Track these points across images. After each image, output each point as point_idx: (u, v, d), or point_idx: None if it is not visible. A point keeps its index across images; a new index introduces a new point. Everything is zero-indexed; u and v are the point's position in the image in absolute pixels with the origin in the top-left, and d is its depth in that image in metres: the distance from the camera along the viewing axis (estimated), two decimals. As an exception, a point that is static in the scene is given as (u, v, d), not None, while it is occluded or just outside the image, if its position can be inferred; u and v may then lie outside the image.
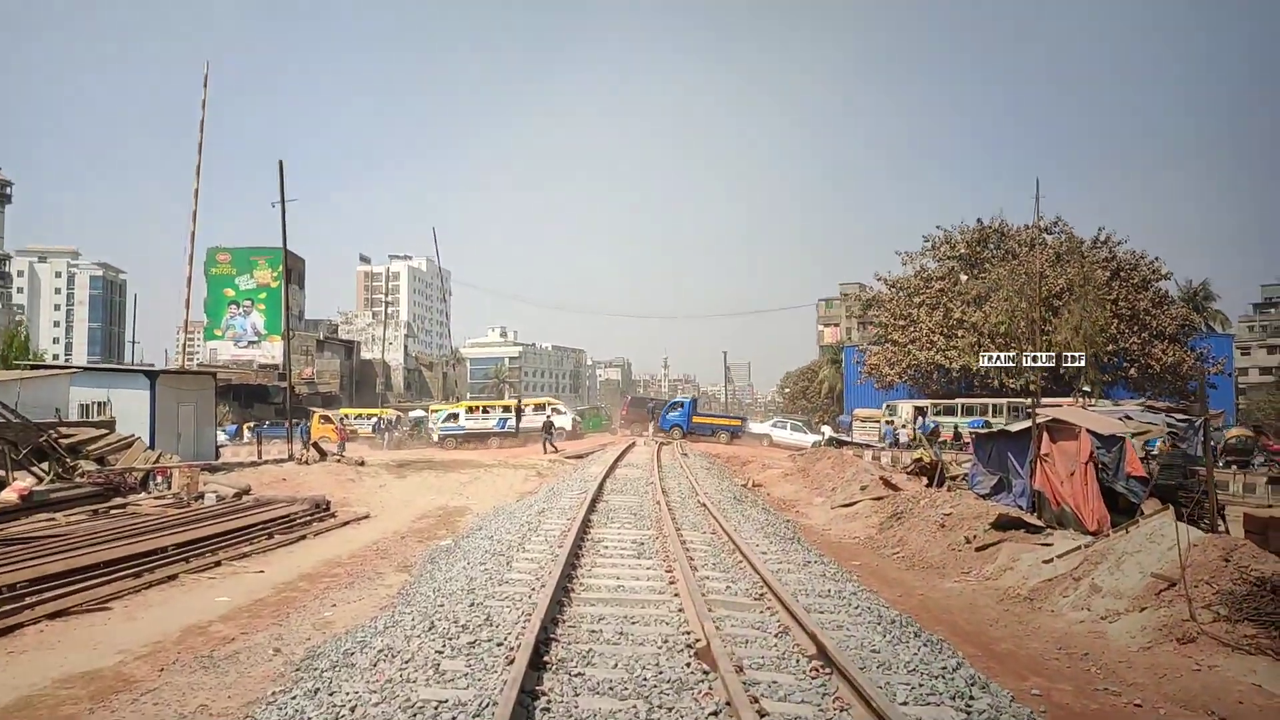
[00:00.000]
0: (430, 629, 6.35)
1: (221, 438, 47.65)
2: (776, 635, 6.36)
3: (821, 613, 7.21)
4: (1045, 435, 14.25)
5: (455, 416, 47.06)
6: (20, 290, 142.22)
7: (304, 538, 15.58)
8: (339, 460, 28.51)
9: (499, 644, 5.74)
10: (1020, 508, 15.15)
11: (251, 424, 55.18)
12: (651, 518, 13.17)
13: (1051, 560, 12.28)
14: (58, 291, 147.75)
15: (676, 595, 7.56)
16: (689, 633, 6.28)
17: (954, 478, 20.29)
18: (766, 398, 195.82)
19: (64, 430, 21.24)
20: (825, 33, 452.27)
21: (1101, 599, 10.29)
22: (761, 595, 7.63)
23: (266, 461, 28.83)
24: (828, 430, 41.36)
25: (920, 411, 39.45)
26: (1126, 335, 39.91)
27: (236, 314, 75.95)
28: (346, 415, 52.27)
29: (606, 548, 10.36)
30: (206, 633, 8.92)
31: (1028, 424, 14.92)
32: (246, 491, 20.65)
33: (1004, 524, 13.69)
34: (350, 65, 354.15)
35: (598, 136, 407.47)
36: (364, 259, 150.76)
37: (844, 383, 61.92)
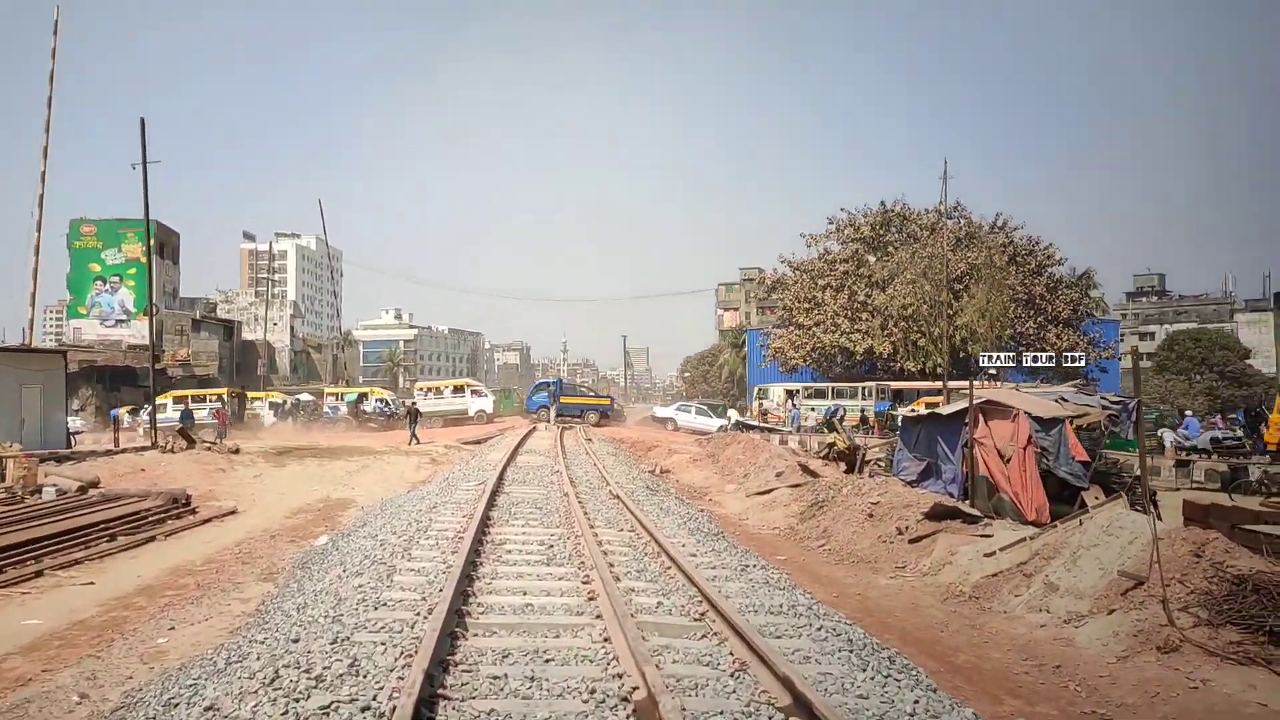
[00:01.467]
0: (274, 681, 4.70)
1: (126, 420, 43.71)
2: (733, 675, 4.98)
3: (779, 637, 5.88)
4: (980, 418, 13.36)
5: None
6: None
7: (153, 539, 13.47)
8: (209, 448, 25.90)
9: (365, 708, 4.16)
10: (951, 495, 14.31)
11: (130, 407, 50.94)
12: (560, 512, 11.66)
13: (994, 554, 11.35)
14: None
15: (599, 617, 6.10)
16: (621, 675, 4.83)
17: (868, 462, 19.49)
18: (666, 382, 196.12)
19: None
20: (724, 10, 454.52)
21: (1060, 599, 9.33)
22: (703, 615, 6.24)
23: (126, 450, 25.98)
24: (734, 414, 40.56)
25: (790, 394, 39.07)
26: (1023, 319, 40.38)
27: (103, 290, 70.31)
28: (236, 396, 48.66)
29: (510, 552, 8.80)
30: (-5, 672, 6.99)
31: (959, 406, 14.03)
32: (94, 485, 18.19)
33: (939, 514, 12.75)
34: (238, 30, 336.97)
35: (497, 116, 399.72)
36: (249, 236, 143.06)
37: (747, 366, 61.51)
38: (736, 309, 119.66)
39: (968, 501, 13.60)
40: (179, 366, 65.63)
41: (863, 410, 35.11)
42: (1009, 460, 12.48)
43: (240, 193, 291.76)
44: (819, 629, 6.09)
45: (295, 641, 5.62)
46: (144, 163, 27.93)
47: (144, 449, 26.61)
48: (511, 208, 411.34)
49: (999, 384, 31.05)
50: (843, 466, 20.05)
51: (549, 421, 39.79)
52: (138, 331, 69.69)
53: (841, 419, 35.79)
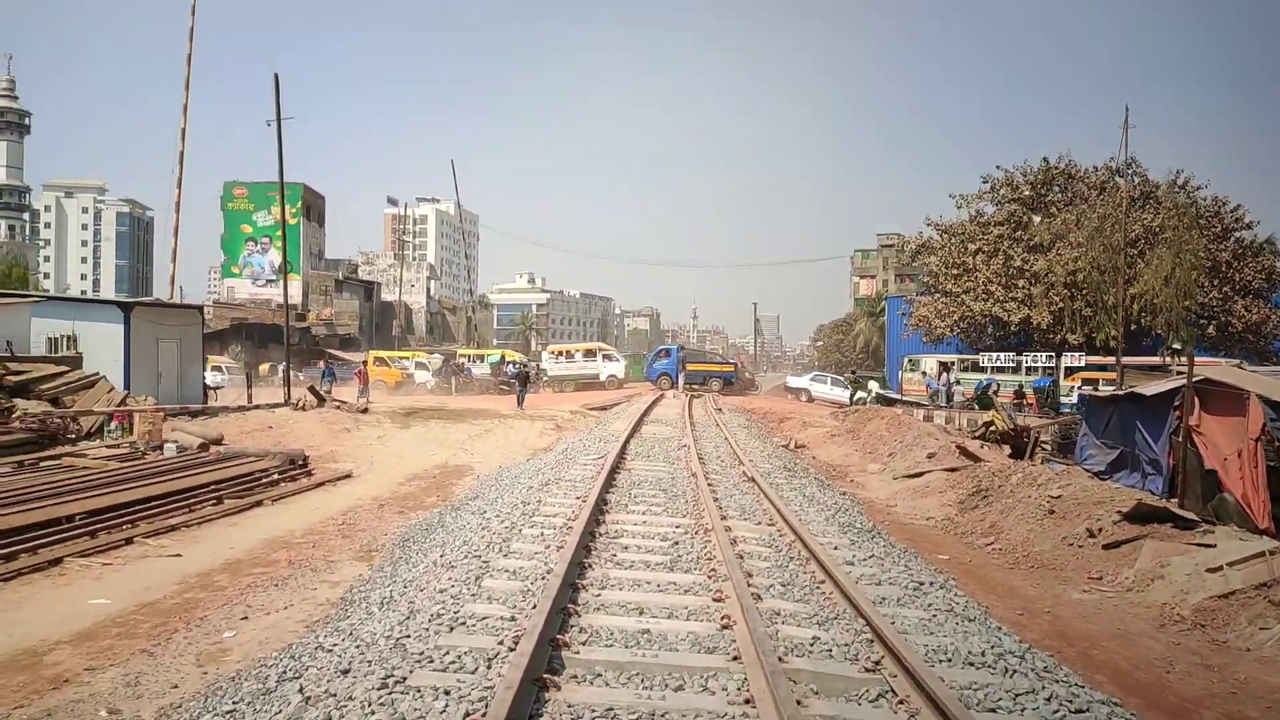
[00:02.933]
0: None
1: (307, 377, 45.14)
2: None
3: (992, 710, 4.19)
4: (1196, 402, 11.02)
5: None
6: (48, 225, 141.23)
7: (260, 503, 12.79)
8: (339, 407, 25.76)
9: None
10: (1154, 493, 12.02)
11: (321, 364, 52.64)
12: (687, 496, 10.17)
13: (1220, 569, 9.16)
14: (84, 228, 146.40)
15: (736, 659, 4.58)
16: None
17: (1041, 447, 17.15)
18: (796, 350, 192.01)
19: (12, 366, 18.58)
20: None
21: (1337, 642, 7.19)
22: (877, 663, 4.62)
23: (258, 407, 26.17)
24: (875, 386, 38.08)
25: (945, 367, 36.08)
26: (1206, 289, 35.97)
27: (254, 251, 73.49)
28: (393, 358, 49.21)
29: (626, 549, 7.36)
30: (36, 668, 6.08)
31: (1168, 385, 11.69)
32: (217, 442, 17.97)
33: (1143, 515, 10.56)
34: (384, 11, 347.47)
35: (633, 85, 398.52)
36: (392, 201, 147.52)
37: (886, 336, 58.32)
38: (873, 277, 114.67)
39: (1176, 501, 11.31)
40: (323, 325, 67.95)
41: (1020, 386, 32.09)
42: (1238, 454, 10.16)
43: (389, 160, 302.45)
44: (1048, 699, 4.35)
45: (345, 673, 4.34)
46: (278, 119, 27.85)
47: (277, 405, 26.80)
48: (646, 175, 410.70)
49: (1181, 361, 27.56)
50: (1006, 450, 17.78)
51: (676, 389, 38.42)
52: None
53: (995, 393, 32.99)
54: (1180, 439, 10.99)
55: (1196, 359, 28.35)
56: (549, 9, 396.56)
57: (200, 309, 28.26)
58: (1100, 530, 11.08)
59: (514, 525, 8.08)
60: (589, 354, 47.35)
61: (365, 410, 25.83)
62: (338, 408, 25.72)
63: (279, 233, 73.01)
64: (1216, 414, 10.73)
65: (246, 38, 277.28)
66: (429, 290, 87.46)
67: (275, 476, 14.89)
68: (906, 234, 54.47)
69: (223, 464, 15.18)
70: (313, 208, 74.91)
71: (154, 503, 11.66)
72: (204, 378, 26.85)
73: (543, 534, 7.65)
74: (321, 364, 39.66)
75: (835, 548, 7.83)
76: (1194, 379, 11.16)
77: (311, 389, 26.39)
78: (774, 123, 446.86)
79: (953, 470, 16.66)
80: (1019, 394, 31.96)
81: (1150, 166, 42.43)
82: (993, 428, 21.36)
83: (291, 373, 51.86)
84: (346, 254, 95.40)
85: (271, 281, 72.21)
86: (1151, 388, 12.31)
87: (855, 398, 36.41)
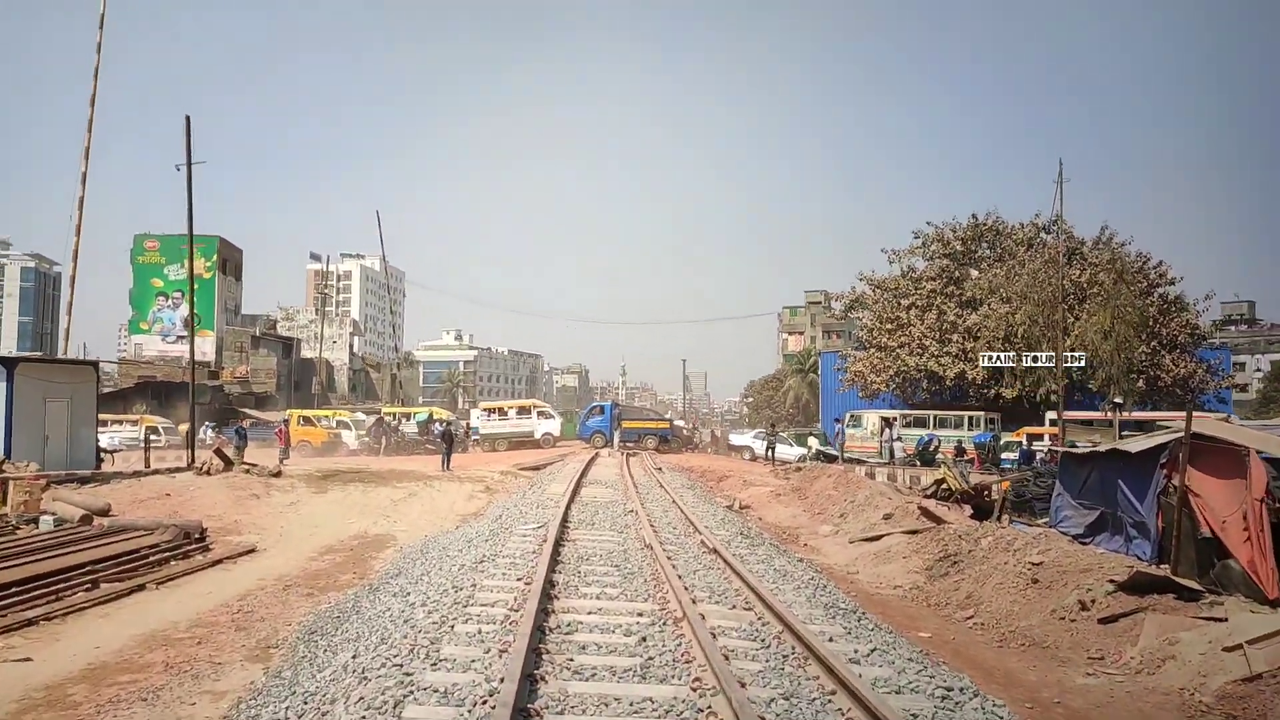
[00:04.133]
0: None
1: (208, 435, 42.29)
2: None
3: None
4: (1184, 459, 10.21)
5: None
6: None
7: (142, 588, 11.01)
8: (248, 471, 23.68)
9: None
10: (1140, 558, 11.15)
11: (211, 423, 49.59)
12: (645, 574, 8.84)
13: (1240, 648, 8.22)
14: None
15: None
16: None
17: (1007, 507, 16.30)
18: (724, 407, 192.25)
19: None
20: (792, 32, 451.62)
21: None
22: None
23: (157, 472, 23.95)
24: (814, 442, 37.34)
25: (887, 422, 35.66)
26: (1134, 344, 36.42)
27: (165, 306, 70.03)
28: (319, 416, 46.57)
29: (585, 650, 6.00)
30: None
31: (1153, 441, 10.90)
32: (103, 513, 15.93)
33: (1141, 585, 9.64)
34: (302, 63, 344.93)
35: (558, 140, 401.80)
36: (315, 256, 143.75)
37: (818, 391, 58.13)
38: (801, 333, 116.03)
39: (1167, 568, 10.42)
40: (237, 383, 64.80)
41: (960, 441, 31.67)
42: (1241, 515, 9.33)
43: (313, 217, 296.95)
44: None
45: None
46: (189, 163, 26.07)
47: (178, 470, 24.60)
48: (571, 231, 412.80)
49: (1125, 415, 27.51)
50: (967, 510, 16.92)
51: (611, 447, 37.03)
52: (199, 347, 69.22)
53: (936, 450, 32.53)
54: (1172, 500, 10.14)
55: (1146, 413, 28.24)
56: (475, 64, 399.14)
57: (95, 365, 26.05)
58: (1093, 602, 10.11)
59: (444, 619, 6.65)
60: (523, 411, 45.55)
61: (278, 474, 23.81)
62: (247, 471, 23.63)
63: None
64: (1211, 472, 9.94)
65: (168, 90, 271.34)
66: (352, 347, 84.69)
67: (165, 554, 13.08)
68: (834, 291, 54.72)
69: (104, 539, 13.30)
70: (229, 261, 72.01)
71: (12, 589, 9.85)
72: (98, 440, 24.48)
73: (480, 631, 6.25)
74: (238, 424, 37.19)
75: (830, 638, 6.61)
76: (1180, 435, 10.37)
77: (218, 451, 24.31)
78: (700, 182, 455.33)
79: (913, 533, 15.68)
80: (959, 449, 31.54)
81: (1075, 223, 43.35)
82: (944, 485, 20.60)
83: (210, 434, 49.39)
84: (268, 310, 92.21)
85: (183, 338, 68.82)
86: (1136, 444, 11.53)
87: (772, 453, 35.46)
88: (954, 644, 9.87)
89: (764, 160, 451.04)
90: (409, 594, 9.22)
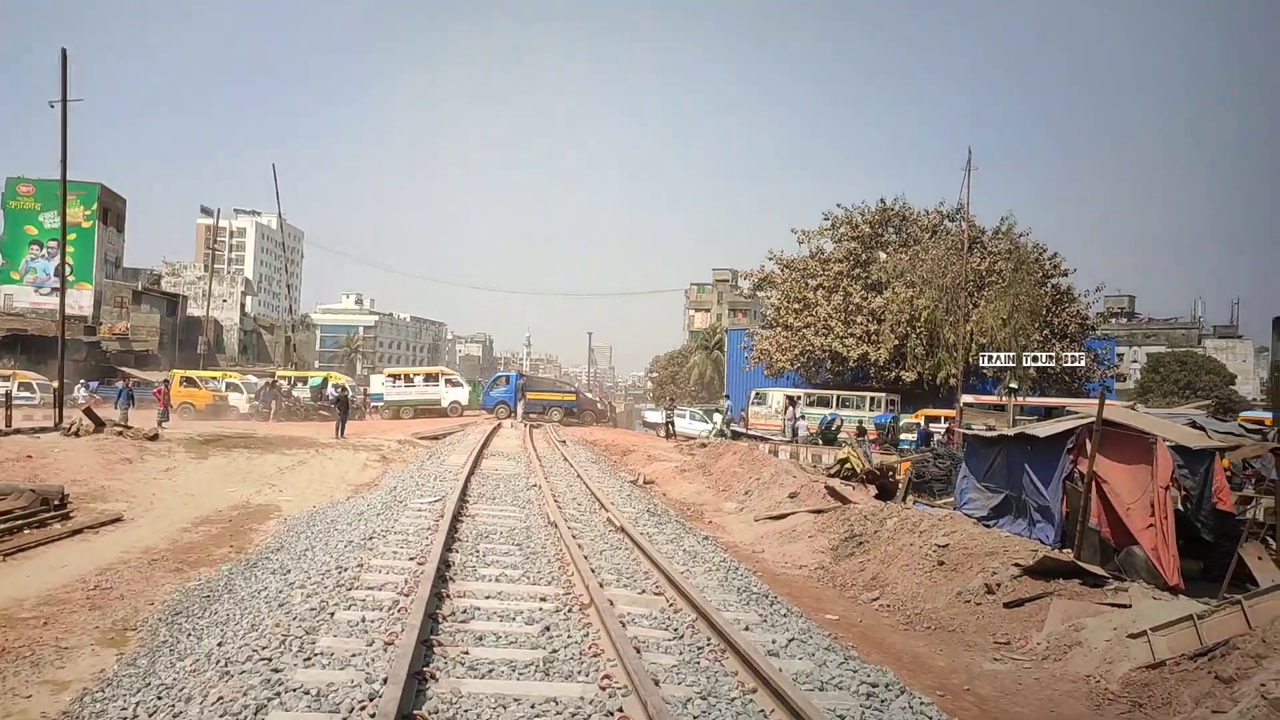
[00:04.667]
0: None
1: (80, 394, 39.29)
2: None
3: None
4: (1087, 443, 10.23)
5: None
6: None
7: (-15, 561, 9.88)
8: (121, 433, 22.05)
9: None
10: (1043, 542, 11.18)
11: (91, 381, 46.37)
12: (549, 554, 8.30)
13: (1143, 634, 8.22)
14: None
15: None
16: None
17: (911, 488, 16.37)
18: (629, 382, 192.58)
19: None
20: (713, 13, 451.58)
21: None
22: None
23: (20, 431, 22.12)
24: (718, 418, 37.34)
25: (791, 401, 36.03)
26: (1030, 331, 37.66)
27: (39, 255, 65.36)
28: (204, 378, 43.80)
29: (481, 641, 5.44)
30: None
31: (1061, 426, 10.92)
32: (-50, 475, 14.49)
33: (1048, 569, 9.61)
34: (209, 12, 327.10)
35: (471, 107, 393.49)
36: (206, 211, 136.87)
37: (724, 369, 58.43)
38: (708, 310, 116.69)
39: (1068, 551, 10.46)
40: (116, 340, 61.10)
41: (861, 421, 32.08)
42: (1145, 503, 9.37)
43: (205, 168, 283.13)
44: None
45: None
46: (64, 100, 23.97)
47: (44, 430, 22.78)
48: (480, 200, 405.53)
49: (1018, 401, 28.29)
50: (871, 490, 16.94)
51: (515, 418, 36.24)
52: (75, 301, 64.89)
53: (838, 429, 32.89)
54: (1078, 486, 10.15)
55: (1040, 399, 29.00)
56: (390, 15, 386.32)
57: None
58: (999, 585, 10.05)
59: (324, 603, 5.98)
60: (430, 378, 43.98)
61: (155, 437, 22.30)
62: (120, 433, 22.00)
63: (71, 236, 65.72)
64: (1117, 459, 9.98)
65: (67, 24, 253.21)
66: (243, 306, 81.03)
67: (18, 521, 11.86)
68: (742, 269, 54.91)
69: (-54, 505, 11.98)
70: (111, 210, 67.63)
71: None
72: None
73: (364, 620, 5.61)
74: (120, 383, 34.72)
75: (745, 627, 6.22)
76: (1088, 421, 10.39)
77: (88, 411, 22.59)
78: (608, 154, 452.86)
79: (819, 512, 15.57)
80: (860, 429, 31.95)
81: (977, 213, 44.41)
82: (848, 465, 20.68)
83: (83, 393, 46.31)
84: (148, 261, 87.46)
85: (57, 289, 64.49)
86: (1044, 428, 11.55)
87: (672, 428, 35.40)
88: (861, 627, 9.67)
89: (678, 139, 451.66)
90: (289, 572, 8.47)
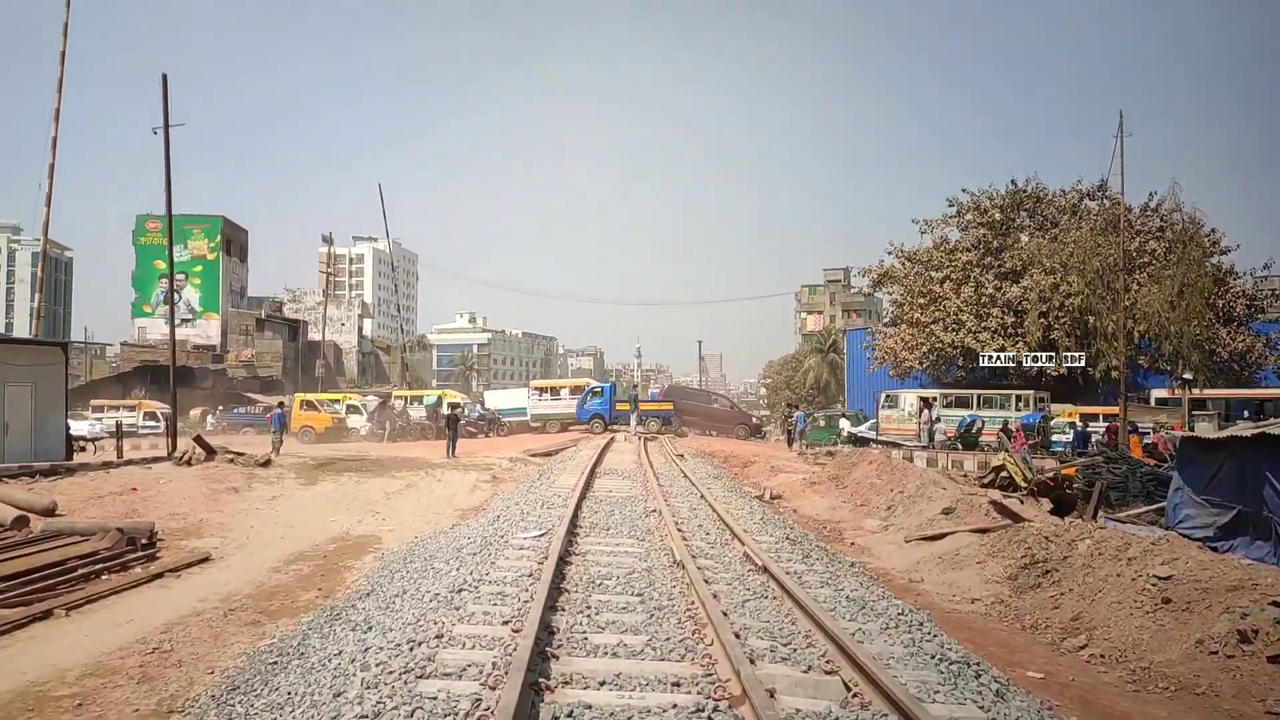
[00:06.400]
0: None
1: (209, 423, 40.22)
2: None
3: None
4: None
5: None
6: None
7: (48, 614, 8.85)
8: (233, 461, 21.58)
9: None
10: (1299, 569, 8.79)
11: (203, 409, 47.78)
12: (678, 610, 6.58)
13: None
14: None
15: None
16: None
17: (1101, 503, 13.93)
18: (740, 389, 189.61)
19: None
20: (813, 13, 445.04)
21: None
22: None
23: (131, 462, 21.95)
24: (846, 424, 34.95)
25: (926, 403, 33.19)
26: (1203, 314, 33.72)
27: (168, 288, 68.20)
28: (322, 401, 44.16)
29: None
30: None
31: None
32: (48, 512, 13.91)
33: (1328, 613, 7.29)
34: (318, 49, 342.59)
35: (573, 123, 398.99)
36: (326, 239, 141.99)
37: (846, 371, 55.64)
38: (820, 312, 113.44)
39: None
40: (242, 367, 63.00)
41: (1006, 422, 29.20)
42: None
43: (330, 202, 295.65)
44: None
45: None
46: (166, 126, 23.94)
47: (157, 460, 22.60)
48: (587, 211, 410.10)
49: (1197, 392, 25.07)
50: (1044, 504, 14.58)
51: (633, 432, 34.70)
52: (203, 330, 67.48)
53: (979, 432, 30.14)
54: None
55: (1229, 390, 25.56)
56: (495, 56, 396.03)
57: (63, 345, 23.96)
58: (1256, 633, 7.78)
59: (383, 703, 4.41)
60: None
61: (267, 463, 21.77)
62: (231, 461, 21.55)
63: (196, 269, 68.41)
64: None
65: (184, 69, 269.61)
66: (361, 329, 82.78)
67: (100, 565, 10.96)
68: (854, 267, 52.04)
69: (28, 548, 11.19)
70: (234, 242, 70.10)
71: None
72: (67, 427, 22.47)
73: (449, 698, 4.02)
74: (275, 408, 34.52)
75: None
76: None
77: (198, 439, 22.22)
78: (717, 160, 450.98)
79: (983, 531, 13.36)
80: (1005, 431, 29.10)
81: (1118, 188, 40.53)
82: (1004, 474, 18.26)
83: (214, 420, 47.35)
84: (271, 290, 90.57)
85: (187, 321, 67.10)
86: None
87: (799, 434, 32.98)
88: (1076, 689, 7.57)
89: (779, 140, 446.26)
90: (370, 629, 7.06)
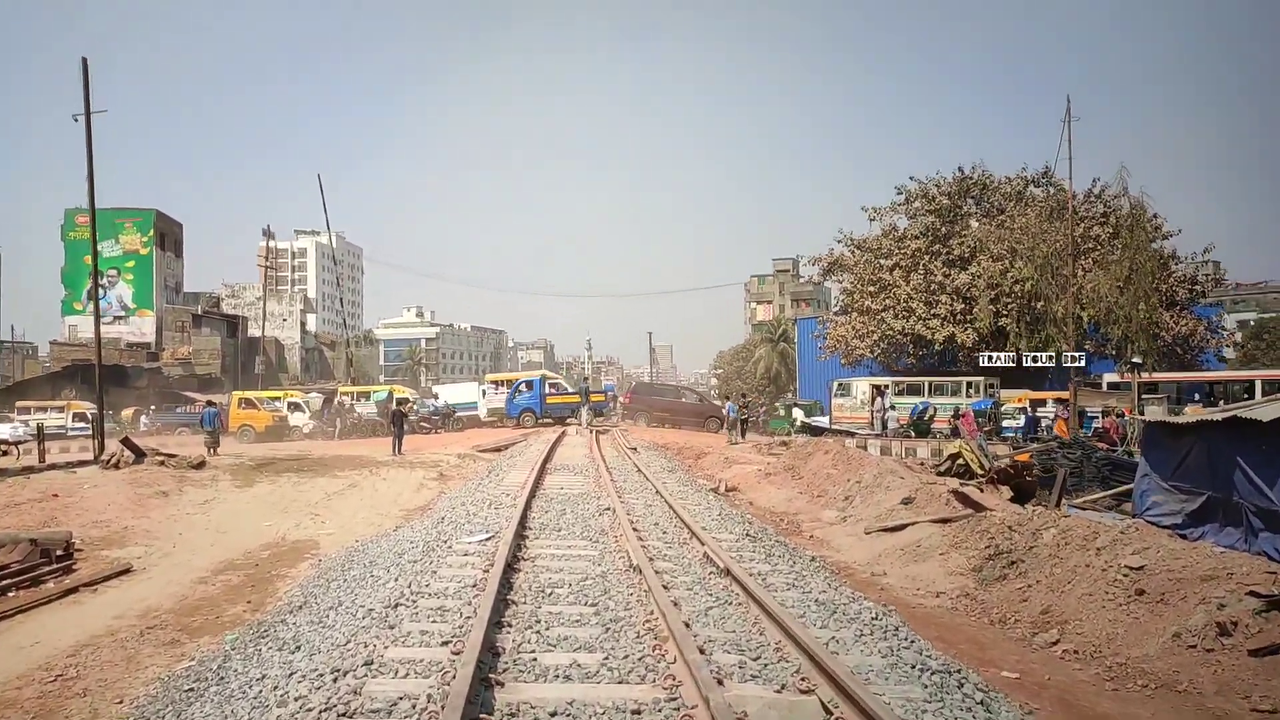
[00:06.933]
0: None
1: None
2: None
3: None
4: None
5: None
6: None
7: (-63, 642, 8.02)
8: (163, 463, 20.52)
9: None
10: (1273, 558, 8.57)
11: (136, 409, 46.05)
12: (638, 623, 6.00)
13: None
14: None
15: None
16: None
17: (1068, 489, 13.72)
18: (692, 379, 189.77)
19: None
20: (762, 4, 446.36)
21: None
22: None
23: (55, 466, 20.78)
24: (799, 414, 34.75)
25: (879, 391, 33.14)
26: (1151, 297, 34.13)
27: (100, 285, 65.65)
28: (262, 399, 42.70)
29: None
30: None
31: (1291, 408, 8.29)
32: (-47, 524, 12.89)
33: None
34: (256, 30, 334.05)
35: (519, 115, 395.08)
36: (266, 233, 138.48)
37: (798, 360, 55.63)
38: (770, 302, 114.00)
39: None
40: (178, 365, 60.87)
41: (957, 409, 29.20)
42: None
43: (267, 193, 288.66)
44: None
45: None
46: (87, 113, 22.69)
47: (82, 463, 21.44)
48: (533, 203, 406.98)
49: (1146, 376, 25.21)
50: (1004, 493, 14.36)
51: (584, 425, 34.05)
52: (136, 328, 65.08)
53: (931, 419, 30.14)
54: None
55: (1179, 374, 25.74)
56: (437, 35, 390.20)
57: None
58: (1235, 624, 7.51)
59: (355, 689, 3.81)
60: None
61: (201, 464, 20.79)
62: (162, 463, 20.50)
63: (128, 264, 65.97)
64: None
65: (137, 69, 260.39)
66: (304, 324, 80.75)
67: (6, 580, 10.09)
68: (803, 257, 51.95)
69: (-76, 565, 10.26)
70: (168, 235, 67.70)
71: None
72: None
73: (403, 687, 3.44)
74: (200, 405, 32.91)
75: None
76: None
77: (126, 440, 21.15)
78: (663, 149, 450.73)
79: (945, 521, 13.06)
80: (956, 417, 29.12)
81: (1064, 175, 40.94)
82: (960, 461, 18.09)
83: (148, 420, 45.62)
84: (207, 285, 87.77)
85: (120, 318, 64.74)
86: (1270, 410, 8.91)
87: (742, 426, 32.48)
88: (1054, 688, 7.23)
89: (727, 131, 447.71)
90: (298, 648, 6.43)
